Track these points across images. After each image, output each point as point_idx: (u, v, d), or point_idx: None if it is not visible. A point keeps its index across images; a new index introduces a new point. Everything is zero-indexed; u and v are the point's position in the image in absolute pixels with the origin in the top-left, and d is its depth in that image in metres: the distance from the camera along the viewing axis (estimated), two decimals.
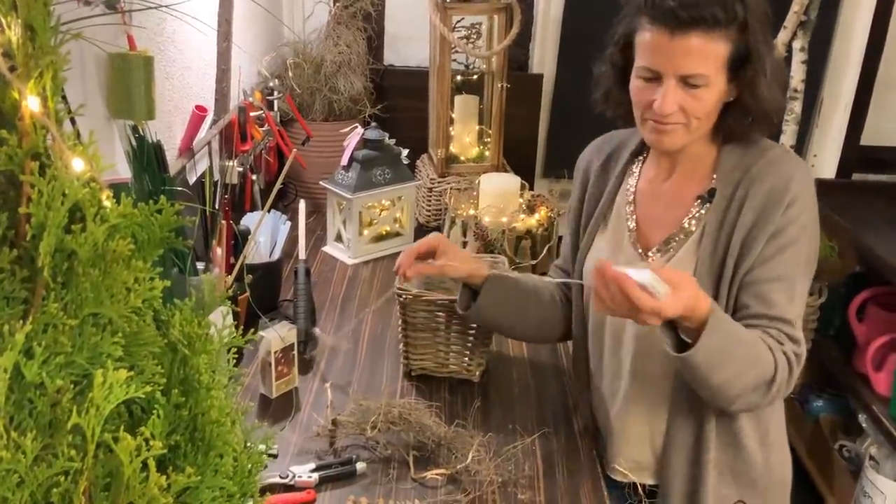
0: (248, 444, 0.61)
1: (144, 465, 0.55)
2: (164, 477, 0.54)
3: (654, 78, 1.18)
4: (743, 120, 1.22)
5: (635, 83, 1.22)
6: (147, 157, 1.29)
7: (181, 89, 1.61)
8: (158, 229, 0.54)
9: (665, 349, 1.15)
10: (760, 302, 1.19)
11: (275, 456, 1.31)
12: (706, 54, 1.14)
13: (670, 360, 1.17)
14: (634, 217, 1.34)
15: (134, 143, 1.28)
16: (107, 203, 0.52)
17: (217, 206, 1.44)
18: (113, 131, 1.22)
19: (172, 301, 0.61)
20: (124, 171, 1.22)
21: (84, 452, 0.53)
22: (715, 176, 1.26)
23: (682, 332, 1.15)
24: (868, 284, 2.40)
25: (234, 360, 0.63)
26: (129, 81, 1.20)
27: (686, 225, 1.27)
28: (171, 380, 0.57)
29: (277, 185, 1.55)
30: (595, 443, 1.41)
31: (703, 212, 1.26)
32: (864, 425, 2.37)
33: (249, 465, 0.60)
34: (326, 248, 2.10)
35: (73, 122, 1.08)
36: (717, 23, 1.13)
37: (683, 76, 1.16)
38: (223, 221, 1.41)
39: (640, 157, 1.38)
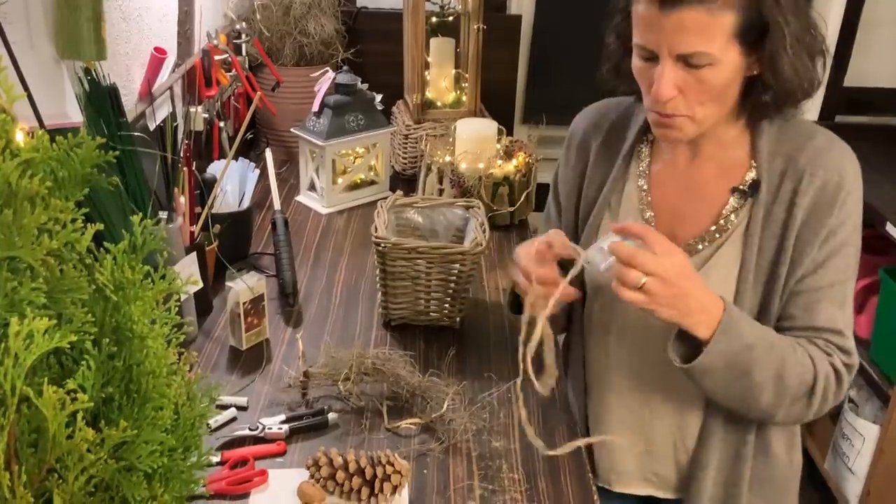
0: (190, 396, 0.57)
1: (75, 420, 0.51)
2: (95, 431, 0.51)
3: (652, 58, 1.03)
4: (769, 100, 1.07)
5: (634, 62, 1.07)
6: (101, 100, 1.22)
7: (139, 31, 1.54)
8: (80, 166, 0.49)
9: (671, 359, 1.06)
10: (809, 313, 1.09)
11: (244, 408, 1.28)
12: (705, 30, 0.97)
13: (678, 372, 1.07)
14: (650, 209, 1.18)
15: (87, 85, 1.21)
16: (19, 136, 0.47)
17: (178, 153, 1.38)
18: (62, 73, 1.16)
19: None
20: (76, 116, 1.15)
21: (5, 406, 0.49)
22: (754, 164, 1.11)
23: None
24: None
25: (176, 308, 0.58)
26: (77, 19, 1.13)
27: (722, 222, 1.13)
28: (104, 329, 0.53)
29: (243, 131, 1.49)
30: (589, 453, 1.28)
31: (740, 207, 1.11)
32: None
33: (193, 419, 0.56)
34: (299, 198, 2.05)
35: (14, 62, 1.02)
36: None
37: (681, 56, 1.00)
38: (184, 168, 1.36)
39: (650, 136, 1.22)
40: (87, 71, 1.21)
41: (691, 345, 1.07)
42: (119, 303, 0.52)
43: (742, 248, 1.11)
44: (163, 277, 0.55)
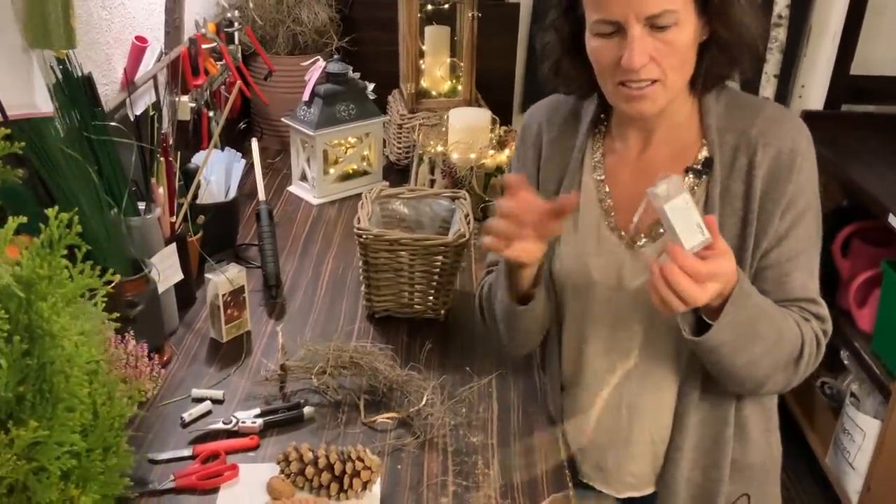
0: (111, 396, 0.55)
1: None
2: (6, 431, 0.49)
3: (615, 31, 1.01)
4: (724, 59, 1.06)
5: (593, 44, 1.05)
6: (74, 90, 1.21)
7: (122, 20, 1.52)
8: None
9: (682, 334, 1.04)
10: (781, 286, 1.09)
11: (220, 401, 1.27)
12: None
13: (686, 345, 1.06)
14: (610, 199, 1.18)
15: (59, 75, 1.20)
16: None
17: (157, 142, 1.37)
18: (31, 62, 1.14)
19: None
20: (46, 105, 1.14)
21: None
22: (705, 142, 1.11)
23: (702, 313, 1.04)
24: (853, 219, 2.33)
25: (103, 304, 0.57)
26: (45, 7, 1.11)
27: None
28: (18, 325, 0.51)
29: (223, 120, 1.47)
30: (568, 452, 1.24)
31: (696, 187, 1.11)
32: (845, 362, 2.33)
33: (112, 419, 0.54)
34: (291, 188, 2.03)
35: None
36: None
37: (650, 17, 0.99)
38: (161, 158, 1.34)
39: (600, 128, 1.21)
40: (59, 60, 1.20)
41: (697, 318, 1.06)
42: (31, 299, 0.50)
43: None
44: (81, 272, 0.53)
